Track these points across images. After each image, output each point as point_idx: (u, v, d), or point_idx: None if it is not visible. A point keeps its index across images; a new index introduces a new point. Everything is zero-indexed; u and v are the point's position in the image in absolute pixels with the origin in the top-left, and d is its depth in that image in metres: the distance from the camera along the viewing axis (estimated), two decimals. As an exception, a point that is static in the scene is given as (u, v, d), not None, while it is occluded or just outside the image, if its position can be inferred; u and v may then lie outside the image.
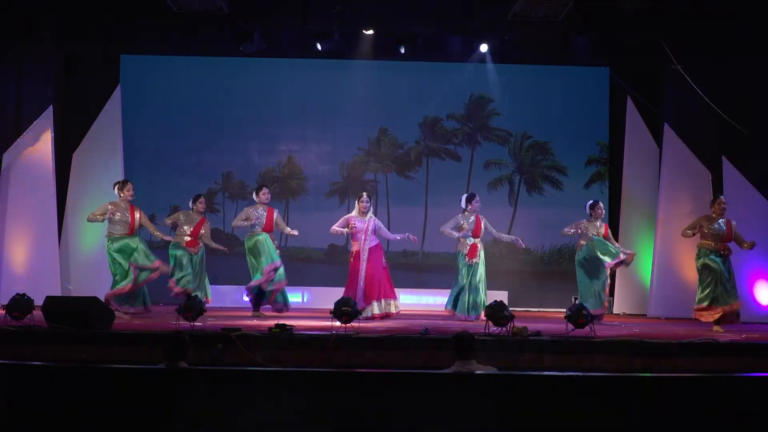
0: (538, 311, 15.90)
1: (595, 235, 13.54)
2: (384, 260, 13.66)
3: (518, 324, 10.78)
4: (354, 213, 13.53)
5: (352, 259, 13.47)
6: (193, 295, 11.92)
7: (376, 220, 13.68)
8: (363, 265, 13.26)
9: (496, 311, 10.73)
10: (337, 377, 6.39)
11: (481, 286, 13.60)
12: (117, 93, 16.15)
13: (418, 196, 16.95)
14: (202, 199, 13.83)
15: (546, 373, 8.48)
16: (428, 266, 16.65)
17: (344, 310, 10.63)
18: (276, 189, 16.58)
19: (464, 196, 13.92)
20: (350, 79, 16.92)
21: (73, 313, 10.42)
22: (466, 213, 13.82)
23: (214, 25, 15.40)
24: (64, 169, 15.63)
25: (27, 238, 14.97)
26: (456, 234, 13.75)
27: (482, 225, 13.79)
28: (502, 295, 14.02)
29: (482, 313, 13.25)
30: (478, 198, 13.92)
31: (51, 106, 15.26)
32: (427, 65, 16.84)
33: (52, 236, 15.12)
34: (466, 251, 13.71)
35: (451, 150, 17.08)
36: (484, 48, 16.16)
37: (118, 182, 13.20)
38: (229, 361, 9.54)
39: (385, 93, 17.03)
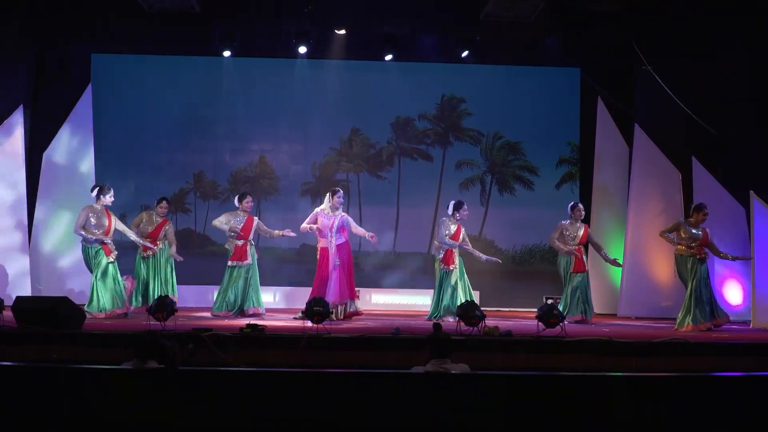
0: (510, 311, 15.94)
1: (572, 240, 13.68)
2: (351, 259, 13.53)
3: (489, 323, 10.83)
4: (324, 208, 13.38)
5: (318, 257, 13.36)
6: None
7: (345, 216, 13.45)
8: (332, 266, 13.12)
9: (468, 311, 10.78)
10: (309, 377, 6.39)
11: (459, 290, 13.61)
12: (88, 92, 16.06)
13: (389, 196, 16.94)
14: (164, 203, 13.85)
15: (518, 372, 8.52)
16: (399, 266, 16.66)
17: (316, 310, 10.64)
18: (248, 189, 16.54)
19: (452, 203, 13.94)
20: (322, 79, 16.91)
21: (43, 313, 10.37)
22: (453, 219, 13.81)
23: (186, 25, 15.35)
24: (34, 169, 15.53)
25: (-4, 238, 14.90)
26: (446, 240, 13.77)
27: (461, 235, 13.79)
28: (473, 295, 14.05)
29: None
30: (465, 207, 13.91)
31: (21, 106, 15.17)
32: (399, 65, 16.82)
33: (22, 236, 15.02)
34: (440, 257, 13.73)
35: (423, 150, 17.09)
36: (465, 54, 16.23)
37: (98, 186, 13.22)
38: (201, 361, 9.51)
39: (357, 93, 17.02)
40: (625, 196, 15.91)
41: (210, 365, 8.57)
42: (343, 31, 15.90)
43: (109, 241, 12.91)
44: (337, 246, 13.20)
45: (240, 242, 13.47)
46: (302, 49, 16.01)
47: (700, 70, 15.31)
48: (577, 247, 13.73)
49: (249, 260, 13.48)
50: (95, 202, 12.97)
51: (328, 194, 13.51)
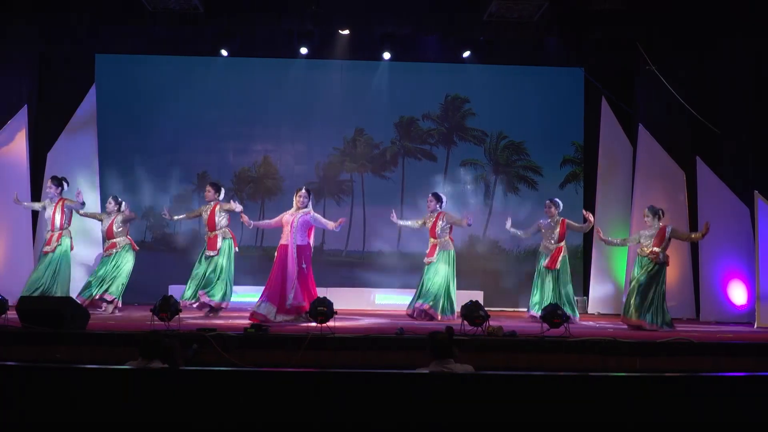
0: (513, 311, 15.94)
1: (550, 235, 13.72)
2: (304, 264, 12.63)
3: (493, 324, 10.82)
4: (291, 208, 12.82)
5: (276, 254, 12.67)
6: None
7: (309, 215, 12.77)
8: (296, 266, 12.44)
9: (472, 311, 10.77)
10: (313, 377, 6.39)
11: (436, 284, 13.59)
12: (92, 92, 16.11)
13: (393, 196, 16.94)
14: (109, 200, 14.10)
15: (521, 372, 8.51)
16: (403, 267, 16.64)
17: (320, 310, 10.64)
18: (251, 189, 16.60)
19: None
20: (326, 79, 16.92)
21: (47, 314, 10.38)
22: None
23: (190, 25, 15.35)
24: (38, 169, 15.56)
25: (1, 238, 14.89)
26: (402, 223, 14.17)
27: (438, 225, 13.73)
28: (477, 295, 14.01)
29: (427, 306, 13.33)
30: (429, 197, 13.94)
31: (25, 106, 15.21)
32: (403, 65, 16.84)
33: (26, 236, 15.05)
34: (427, 251, 13.78)
35: (426, 150, 17.09)
36: (466, 54, 16.22)
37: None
38: (205, 361, 9.52)
39: (361, 93, 17.02)
40: (629, 195, 15.91)
41: (214, 365, 8.58)
42: (347, 32, 15.90)
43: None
44: (298, 246, 12.55)
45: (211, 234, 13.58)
46: (303, 50, 16.01)
47: (704, 69, 15.32)
48: (558, 246, 13.77)
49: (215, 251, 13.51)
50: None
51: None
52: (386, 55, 16.33)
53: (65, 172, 15.40)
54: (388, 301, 16.04)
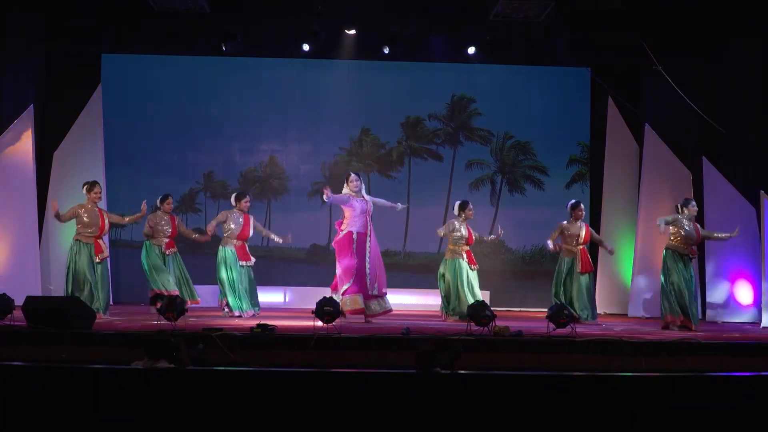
0: (520, 311, 15.93)
1: (575, 240, 13.57)
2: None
3: (499, 323, 10.81)
4: (350, 193, 12.78)
5: (355, 246, 12.71)
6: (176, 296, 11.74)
7: (369, 197, 13.03)
8: (371, 252, 12.77)
9: (478, 311, 10.77)
10: (319, 377, 6.39)
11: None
12: (98, 92, 16.07)
13: (400, 196, 16.84)
14: (170, 199, 13.77)
15: (527, 372, 8.50)
16: (410, 266, 16.64)
17: (326, 310, 10.63)
18: (257, 189, 16.60)
19: (457, 203, 13.90)
20: (332, 79, 16.91)
21: (53, 313, 10.38)
22: (460, 219, 13.78)
23: (196, 25, 15.37)
24: (44, 169, 15.54)
25: (7, 237, 14.87)
26: (443, 232, 13.77)
27: (473, 235, 13.81)
28: (483, 295, 13.99)
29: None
30: (471, 206, 13.88)
31: (32, 105, 15.17)
32: (409, 65, 16.84)
33: (32, 236, 15.03)
34: (464, 259, 13.67)
35: (433, 150, 17.08)
36: (471, 50, 16.19)
37: (87, 183, 13.06)
38: (211, 361, 9.52)
39: (367, 93, 17.00)
40: (636, 196, 15.89)
41: (220, 365, 8.58)
42: (353, 31, 15.88)
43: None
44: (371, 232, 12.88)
45: (239, 242, 13.42)
46: (305, 47, 15.94)
47: (710, 69, 15.30)
48: (581, 247, 13.67)
49: (251, 260, 13.45)
50: (86, 200, 12.92)
51: (345, 183, 12.99)
52: (392, 55, 16.31)
53: (72, 172, 15.43)
54: (395, 300, 15.99)
